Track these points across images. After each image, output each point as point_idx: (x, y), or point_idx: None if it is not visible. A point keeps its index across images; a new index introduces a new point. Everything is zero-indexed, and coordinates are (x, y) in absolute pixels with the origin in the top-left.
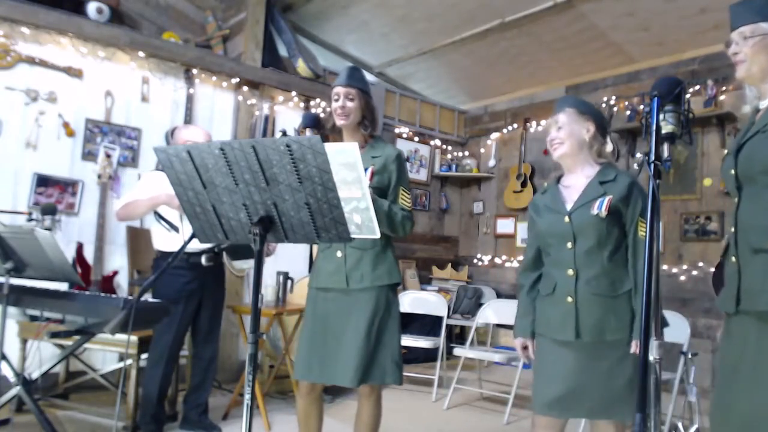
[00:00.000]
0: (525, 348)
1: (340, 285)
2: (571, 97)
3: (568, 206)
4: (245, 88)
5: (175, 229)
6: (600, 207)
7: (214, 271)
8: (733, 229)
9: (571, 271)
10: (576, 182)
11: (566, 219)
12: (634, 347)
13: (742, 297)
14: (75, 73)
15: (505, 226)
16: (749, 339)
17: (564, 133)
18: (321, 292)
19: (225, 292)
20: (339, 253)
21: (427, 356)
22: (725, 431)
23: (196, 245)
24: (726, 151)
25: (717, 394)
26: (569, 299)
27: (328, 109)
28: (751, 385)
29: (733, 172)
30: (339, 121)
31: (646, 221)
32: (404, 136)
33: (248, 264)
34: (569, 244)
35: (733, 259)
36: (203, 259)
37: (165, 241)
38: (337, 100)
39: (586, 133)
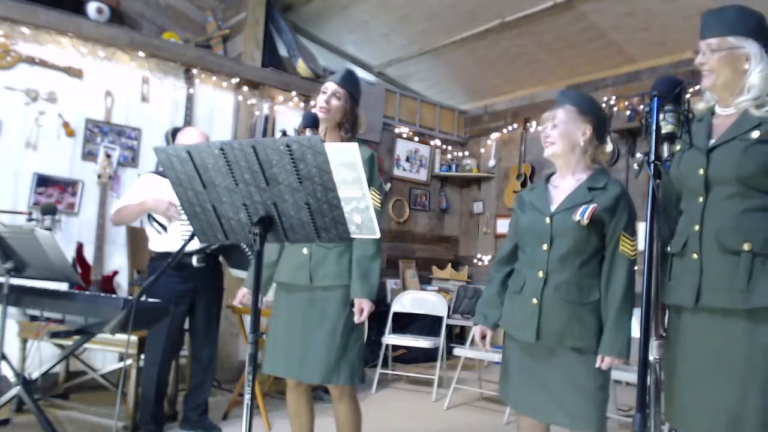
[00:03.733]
0: (483, 337)
1: (303, 281)
2: (576, 92)
3: (552, 207)
4: (245, 88)
5: (164, 229)
6: (582, 214)
7: (208, 273)
8: (696, 228)
9: (541, 273)
10: (564, 184)
11: (546, 220)
12: (599, 362)
13: (703, 293)
14: (75, 73)
15: (505, 226)
16: (712, 334)
17: (558, 133)
18: (284, 287)
19: (222, 293)
20: (305, 250)
21: (427, 356)
22: (703, 426)
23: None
24: (678, 147)
25: (680, 390)
26: (534, 300)
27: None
28: (725, 379)
29: (702, 171)
30: (319, 114)
31: (631, 238)
32: (404, 136)
33: (245, 275)
34: (545, 246)
35: (694, 256)
36: (194, 260)
37: (157, 242)
38: (324, 93)
39: (581, 136)
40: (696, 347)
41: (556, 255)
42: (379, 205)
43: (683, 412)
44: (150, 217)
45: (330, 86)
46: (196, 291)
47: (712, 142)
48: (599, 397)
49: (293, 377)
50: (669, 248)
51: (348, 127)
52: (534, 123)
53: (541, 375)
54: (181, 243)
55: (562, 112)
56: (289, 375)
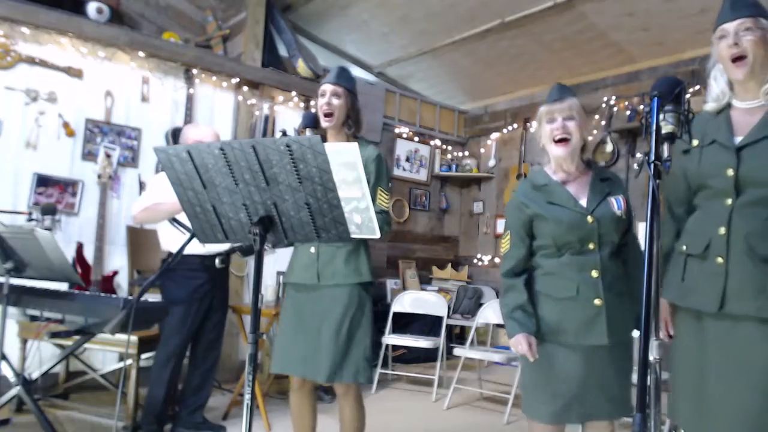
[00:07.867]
0: (530, 345)
1: (311, 281)
2: (566, 86)
3: (582, 203)
4: (245, 88)
5: (191, 232)
6: (619, 207)
7: (223, 275)
8: (722, 231)
9: (595, 273)
10: (573, 178)
11: (589, 219)
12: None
13: (729, 300)
14: (75, 73)
15: None
16: (736, 342)
17: (574, 126)
18: (293, 287)
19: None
20: (312, 249)
21: (427, 356)
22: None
23: (213, 247)
24: (696, 143)
25: (694, 398)
26: (597, 302)
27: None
28: (747, 389)
29: (732, 172)
30: (324, 122)
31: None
32: (404, 136)
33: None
34: (591, 245)
35: (719, 260)
36: (217, 261)
37: (178, 243)
38: (323, 96)
39: (587, 131)
40: (717, 354)
41: (606, 252)
42: (387, 206)
43: (700, 421)
44: (175, 220)
45: (327, 87)
46: (215, 293)
47: (739, 139)
48: (628, 388)
49: (300, 375)
50: (684, 247)
51: (352, 123)
52: (534, 123)
53: (598, 375)
54: (207, 244)
55: (576, 104)
56: (296, 372)
